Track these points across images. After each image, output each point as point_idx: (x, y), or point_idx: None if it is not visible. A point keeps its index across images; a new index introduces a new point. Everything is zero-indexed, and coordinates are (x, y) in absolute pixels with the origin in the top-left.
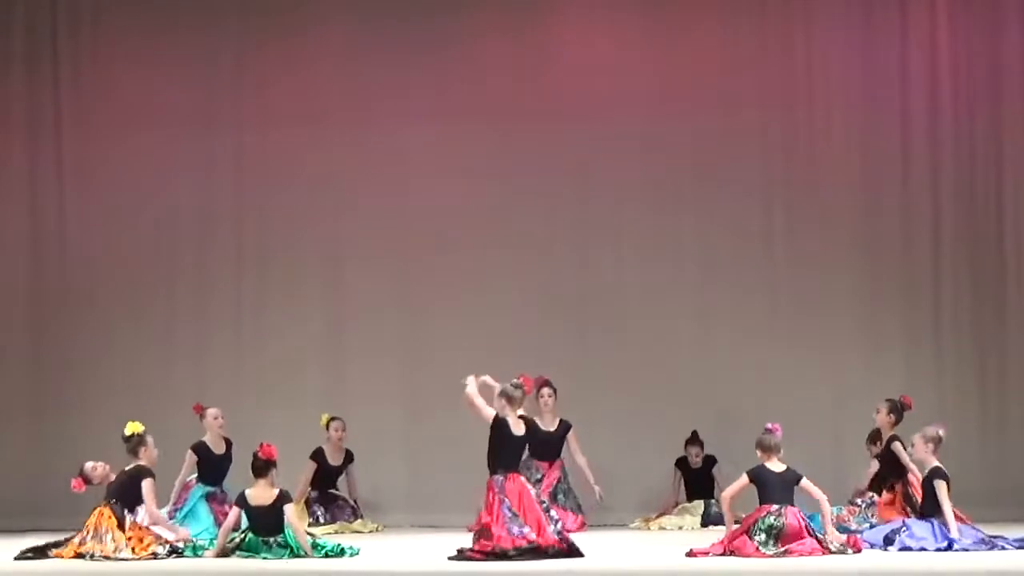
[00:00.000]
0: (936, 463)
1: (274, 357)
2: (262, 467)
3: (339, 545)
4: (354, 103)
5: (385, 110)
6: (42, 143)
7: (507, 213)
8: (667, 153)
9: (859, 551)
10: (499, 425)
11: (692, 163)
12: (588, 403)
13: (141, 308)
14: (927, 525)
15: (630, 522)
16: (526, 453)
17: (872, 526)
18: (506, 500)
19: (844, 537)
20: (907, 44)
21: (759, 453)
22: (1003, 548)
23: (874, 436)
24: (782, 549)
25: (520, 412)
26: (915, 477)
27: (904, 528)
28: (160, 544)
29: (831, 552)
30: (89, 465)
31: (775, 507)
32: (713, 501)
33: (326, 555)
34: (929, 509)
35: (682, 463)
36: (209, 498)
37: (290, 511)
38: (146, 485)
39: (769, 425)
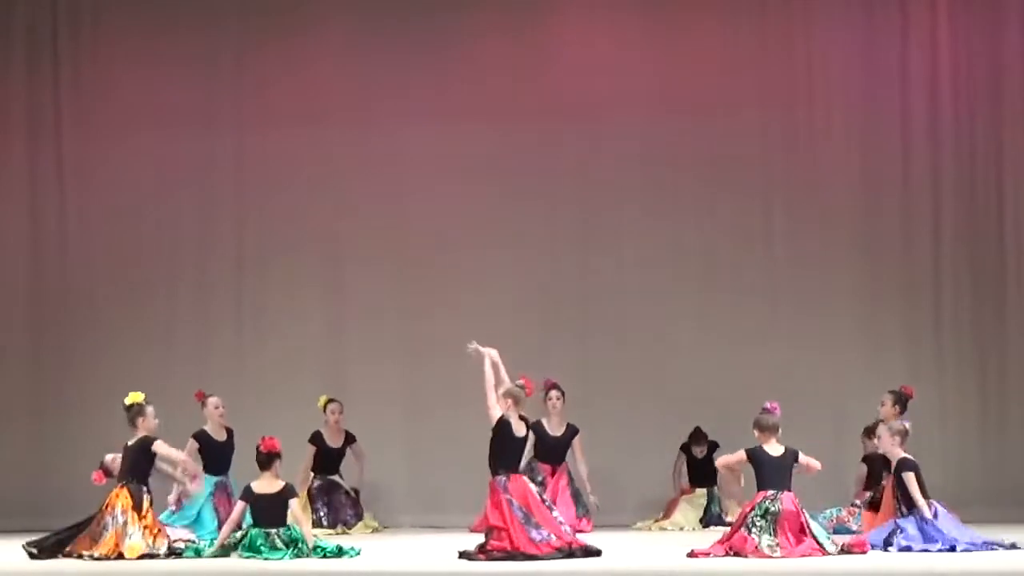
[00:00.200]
0: (903, 454)
1: (274, 357)
2: (265, 460)
3: (338, 546)
4: (354, 103)
5: (385, 110)
6: (42, 143)
7: (507, 213)
8: (667, 153)
9: (864, 552)
10: (503, 425)
11: (693, 163)
12: (589, 404)
13: (141, 308)
14: (917, 523)
15: (633, 524)
16: (530, 455)
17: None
18: (514, 501)
19: (847, 538)
20: (907, 44)
21: (756, 433)
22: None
23: (870, 431)
24: (776, 542)
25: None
26: None
27: (899, 530)
28: (167, 539)
29: (829, 554)
30: (109, 457)
31: (771, 492)
32: (716, 489)
33: (325, 555)
34: (909, 503)
35: (687, 450)
36: (216, 490)
37: (295, 505)
38: (157, 446)
39: (768, 404)
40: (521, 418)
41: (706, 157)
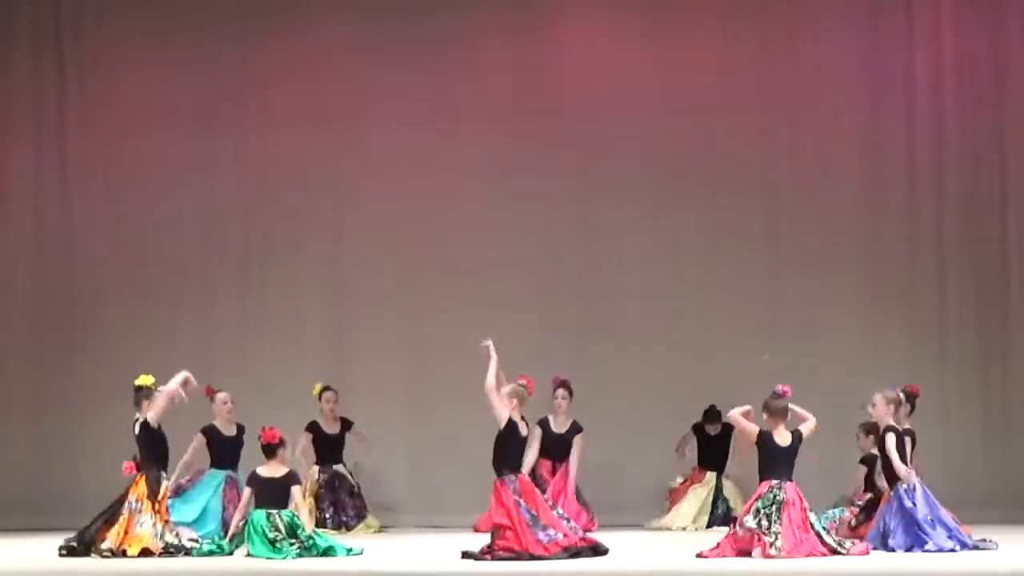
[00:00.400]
0: (891, 422)
1: (276, 357)
2: (268, 450)
3: (335, 544)
4: (356, 103)
5: (386, 110)
6: (46, 143)
7: (507, 213)
8: (668, 153)
9: (866, 554)
10: (511, 426)
11: (694, 164)
12: (590, 404)
13: (143, 308)
14: (899, 506)
15: (647, 523)
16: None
17: None
18: (522, 503)
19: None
20: (912, 45)
21: (765, 417)
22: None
23: (870, 428)
24: (779, 531)
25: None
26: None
27: (891, 535)
28: (175, 537)
29: (834, 552)
30: None
31: (775, 481)
32: (724, 479)
33: (324, 553)
34: (891, 474)
35: (699, 430)
36: (225, 484)
37: (296, 492)
38: (149, 417)
39: (779, 388)
40: (521, 418)
41: (707, 158)
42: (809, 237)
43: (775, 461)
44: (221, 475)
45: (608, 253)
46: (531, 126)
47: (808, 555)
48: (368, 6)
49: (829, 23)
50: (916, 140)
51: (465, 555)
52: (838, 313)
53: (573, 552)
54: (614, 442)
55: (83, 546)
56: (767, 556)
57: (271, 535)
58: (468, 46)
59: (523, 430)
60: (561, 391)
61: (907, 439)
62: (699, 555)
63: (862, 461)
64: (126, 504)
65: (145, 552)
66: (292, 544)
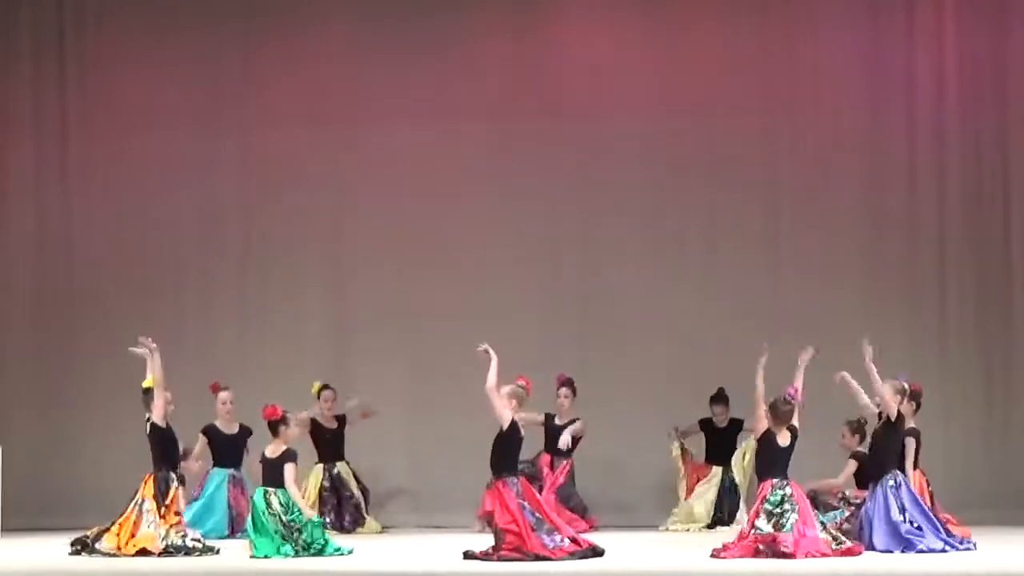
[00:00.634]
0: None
1: (277, 357)
2: (270, 427)
3: (331, 544)
4: (356, 103)
5: (387, 110)
6: (47, 143)
7: (507, 213)
8: (668, 154)
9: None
10: (514, 427)
11: (694, 164)
12: (590, 404)
13: (144, 308)
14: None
15: (663, 526)
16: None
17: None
18: (526, 506)
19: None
20: (913, 46)
21: (770, 418)
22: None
23: (856, 427)
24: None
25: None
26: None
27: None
28: (181, 536)
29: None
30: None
31: (776, 480)
32: (732, 467)
33: (312, 544)
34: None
35: (706, 425)
36: (228, 483)
37: (289, 471)
38: (154, 418)
39: (789, 390)
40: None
41: (707, 158)
42: (809, 237)
43: (775, 461)
44: (224, 474)
45: (608, 253)
46: (531, 126)
47: (820, 552)
48: (368, 6)
49: (829, 23)
50: (917, 140)
51: (467, 555)
52: (839, 313)
53: (579, 556)
54: (614, 442)
55: (84, 544)
56: (782, 555)
57: (271, 525)
58: (468, 46)
59: (521, 431)
60: (564, 389)
61: (911, 439)
62: (713, 554)
63: (853, 456)
64: (133, 503)
65: (143, 552)
66: (287, 540)
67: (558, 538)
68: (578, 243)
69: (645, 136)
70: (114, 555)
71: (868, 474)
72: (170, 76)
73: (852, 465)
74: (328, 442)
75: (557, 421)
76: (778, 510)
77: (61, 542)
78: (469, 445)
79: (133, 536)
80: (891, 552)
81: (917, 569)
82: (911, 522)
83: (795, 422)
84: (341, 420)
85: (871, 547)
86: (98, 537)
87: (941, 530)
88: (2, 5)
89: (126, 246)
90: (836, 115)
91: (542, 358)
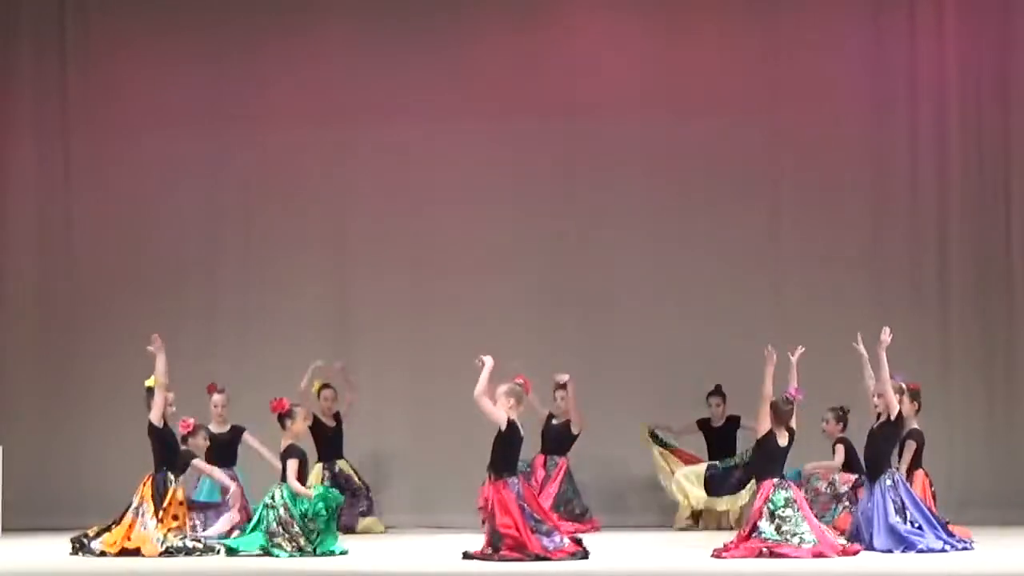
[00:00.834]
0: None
1: (277, 358)
2: (278, 420)
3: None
4: (360, 102)
5: (389, 109)
6: (49, 142)
7: (507, 213)
8: (670, 154)
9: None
10: (512, 427)
11: (695, 165)
12: (595, 404)
13: (146, 308)
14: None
15: (670, 524)
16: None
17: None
18: (526, 507)
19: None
20: (915, 48)
21: (771, 418)
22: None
23: (840, 415)
24: (802, 531)
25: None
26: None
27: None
28: (184, 536)
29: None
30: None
31: (776, 480)
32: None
33: (318, 551)
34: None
35: (704, 425)
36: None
37: (290, 467)
38: (152, 417)
39: (791, 390)
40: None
41: (709, 159)
42: (811, 238)
43: (774, 460)
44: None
45: (609, 253)
46: (532, 126)
47: (832, 548)
48: (368, 6)
49: (831, 24)
50: (918, 141)
51: (467, 555)
52: (842, 313)
53: (580, 556)
54: (615, 442)
55: (82, 544)
56: (791, 556)
57: (266, 520)
58: (468, 46)
59: (521, 430)
60: (560, 392)
61: (912, 442)
62: (714, 554)
63: (839, 441)
64: (131, 504)
65: (136, 553)
66: (286, 542)
67: (558, 539)
68: (579, 243)
69: (646, 136)
70: (104, 554)
71: (866, 474)
72: (172, 76)
73: (842, 449)
74: (328, 440)
75: (554, 421)
76: (782, 513)
77: (62, 542)
78: (470, 445)
79: (128, 538)
80: (891, 552)
81: (917, 569)
82: (911, 522)
83: (792, 423)
84: (338, 419)
85: (870, 548)
86: (96, 536)
87: (941, 530)
88: (3, 4)
89: (127, 245)
90: (838, 116)
91: (543, 358)
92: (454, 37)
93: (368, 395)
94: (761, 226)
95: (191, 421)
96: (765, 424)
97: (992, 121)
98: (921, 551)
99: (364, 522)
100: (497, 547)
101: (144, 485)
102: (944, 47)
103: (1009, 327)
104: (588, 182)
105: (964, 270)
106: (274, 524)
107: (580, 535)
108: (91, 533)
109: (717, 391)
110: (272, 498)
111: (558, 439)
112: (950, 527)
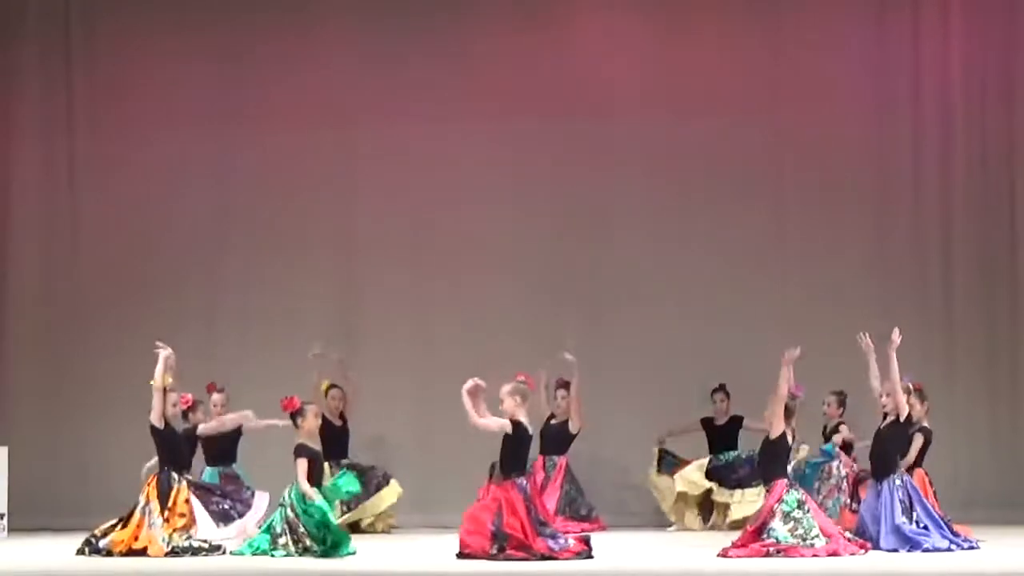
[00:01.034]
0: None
1: (279, 357)
2: (291, 418)
3: (337, 539)
4: (363, 103)
5: (392, 110)
6: (54, 142)
7: (508, 213)
8: (672, 155)
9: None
10: (520, 427)
11: (697, 165)
12: (595, 404)
13: (150, 309)
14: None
15: (667, 525)
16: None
17: None
18: (532, 508)
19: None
20: (919, 48)
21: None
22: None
23: (842, 400)
24: (816, 533)
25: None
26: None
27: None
28: (188, 537)
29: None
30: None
31: (785, 480)
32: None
33: (324, 550)
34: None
35: (707, 423)
36: (221, 480)
37: (299, 466)
38: (152, 417)
39: (793, 390)
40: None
41: (711, 159)
42: (813, 238)
43: (780, 459)
44: (214, 472)
45: (610, 253)
46: (533, 126)
47: (844, 547)
48: (369, 6)
49: (835, 24)
50: (922, 142)
51: (460, 555)
52: (845, 314)
53: (585, 556)
54: (615, 442)
55: (90, 543)
56: (804, 555)
57: (274, 519)
58: (468, 46)
59: (529, 429)
60: (560, 392)
61: (920, 436)
62: (721, 553)
63: (841, 424)
64: (138, 504)
65: (143, 552)
66: (291, 542)
67: (562, 539)
68: (580, 243)
69: (647, 136)
70: (111, 554)
71: (873, 474)
72: (176, 76)
73: (844, 430)
74: (335, 440)
75: (554, 421)
76: (796, 515)
77: (67, 543)
78: (475, 445)
79: (136, 538)
80: (897, 552)
81: (923, 568)
82: (917, 522)
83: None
84: (346, 418)
85: (876, 547)
86: (104, 535)
87: (946, 529)
88: (9, 4)
89: (131, 245)
90: (840, 116)
91: (546, 357)
92: (454, 37)
93: (369, 395)
94: (762, 226)
95: (190, 396)
96: (780, 425)
97: (996, 121)
98: (927, 550)
99: (383, 494)
100: (503, 546)
101: (149, 485)
102: (948, 47)
103: (1013, 327)
104: (588, 182)
105: (968, 270)
106: (280, 525)
107: (587, 535)
108: (98, 533)
109: (721, 388)
110: (282, 499)
111: (557, 439)
112: (953, 526)
